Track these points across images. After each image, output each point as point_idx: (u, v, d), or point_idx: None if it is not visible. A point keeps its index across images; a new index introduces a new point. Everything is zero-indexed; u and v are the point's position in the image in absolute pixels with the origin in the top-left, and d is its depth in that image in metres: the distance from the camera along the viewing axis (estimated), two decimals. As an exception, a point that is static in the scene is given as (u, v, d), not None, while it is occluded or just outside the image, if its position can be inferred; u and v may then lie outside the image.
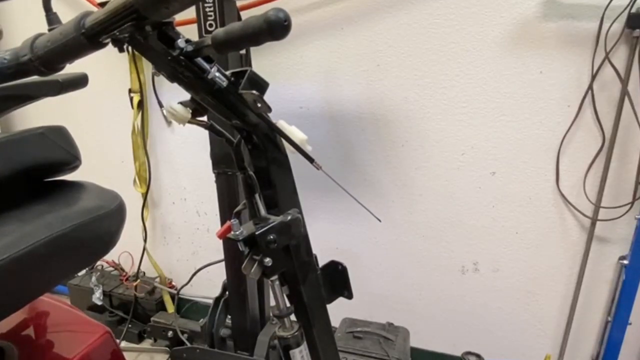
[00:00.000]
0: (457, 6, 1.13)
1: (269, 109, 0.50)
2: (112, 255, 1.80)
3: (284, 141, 0.54)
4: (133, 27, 0.43)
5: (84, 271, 1.83)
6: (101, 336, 0.91)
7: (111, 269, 1.85)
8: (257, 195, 0.56)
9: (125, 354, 1.00)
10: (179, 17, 0.45)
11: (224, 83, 0.48)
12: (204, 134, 0.90)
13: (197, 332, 1.59)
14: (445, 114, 1.22)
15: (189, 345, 1.50)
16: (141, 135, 1.59)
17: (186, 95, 0.52)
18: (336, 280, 0.63)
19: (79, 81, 0.81)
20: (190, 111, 0.52)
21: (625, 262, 1.15)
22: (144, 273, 1.80)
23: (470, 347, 1.25)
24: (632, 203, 1.10)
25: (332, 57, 1.29)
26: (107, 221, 0.73)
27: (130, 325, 1.71)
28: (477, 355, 1.21)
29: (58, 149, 0.77)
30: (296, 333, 0.58)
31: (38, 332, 0.92)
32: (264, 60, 1.36)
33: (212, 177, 1.10)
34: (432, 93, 1.22)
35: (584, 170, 1.15)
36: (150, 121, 1.61)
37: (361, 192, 1.37)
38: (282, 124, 0.54)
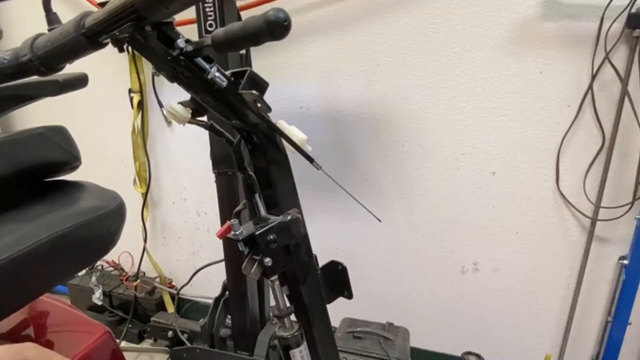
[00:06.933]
0: (457, 6, 1.13)
1: (269, 109, 0.50)
2: (112, 255, 1.80)
3: (284, 141, 0.54)
4: (133, 27, 0.43)
5: (84, 271, 1.83)
6: (101, 336, 0.91)
7: (111, 269, 1.85)
8: (257, 195, 0.56)
9: (125, 354, 1.00)
10: (179, 17, 0.45)
11: (224, 83, 0.48)
12: (204, 134, 0.90)
13: (197, 332, 1.59)
14: (445, 114, 1.22)
15: (189, 345, 1.50)
16: (141, 135, 1.59)
17: (186, 95, 0.52)
18: (336, 280, 0.63)
19: (79, 81, 0.81)
20: (190, 111, 0.52)
21: (625, 262, 1.15)
22: (144, 273, 1.80)
23: (470, 347, 1.25)
24: (632, 203, 1.10)
25: (332, 57, 1.29)
26: (107, 221, 0.73)
27: (130, 325, 1.71)
28: (477, 355, 1.21)
29: (58, 149, 0.77)
30: (296, 333, 0.58)
31: (38, 332, 0.92)
32: (264, 60, 1.36)
33: (212, 177, 1.10)
34: (432, 93, 1.22)
35: (584, 170, 1.15)
36: (150, 121, 1.61)
37: (361, 192, 1.37)
38: (282, 124, 0.54)
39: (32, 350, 0.41)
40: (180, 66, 0.47)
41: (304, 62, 1.33)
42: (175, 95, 1.18)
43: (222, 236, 0.54)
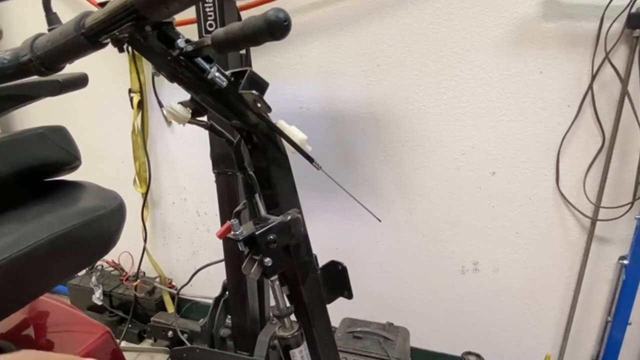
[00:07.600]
0: (457, 6, 1.13)
1: (269, 109, 0.50)
2: (112, 255, 1.80)
3: (284, 141, 0.54)
4: (133, 27, 0.43)
5: (84, 271, 1.83)
6: (101, 336, 0.92)
7: (111, 269, 1.85)
8: (257, 195, 0.56)
9: (125, 354, 1.01)
10: (179, 17, 0.45)
11: (224, 83, 0.48)
12: (204, 134, 0.90)
13: (197, 332, 1.59)
14: (445, 114, 1.22)
15: (189, 345, 1.50)
16: (141, 135, 1.59)
17: (186, 95, 0.52)
18: (336, 280, 0.63)
19: (79, 81, 0.81)
20: (190, 111, 0.52)
21: (625, 262, 1.15)
22: (144, 273, 1.80)
23: (470, 347, 1.25)
24: (632, 203, 1.10)
25: (332, 57, 1.29)
26: (107, 221, 0.73)
27: (130, 325, 1.71)
28: (477, 355, 1.21)
29: (58, 149, 0.77)
30: (296, 333, 0.58)
31: (38, 332, 0.92)
32: (264, 60, 1.36)
33: (212, 177, 1.10)
34: (432, 93, 1.22)
35: (584, 170, 1.15)
36: (150, 121, 1.61)
37: (361, 192, 1.37)
38: (282, 124, 0.54)
39: (32, 358, 0.41)
40: (180, 66, 0.47)
41: (304, 62, 1.33)
42: (175, 95, 1.18)
43: (222, 236, 0.54)
